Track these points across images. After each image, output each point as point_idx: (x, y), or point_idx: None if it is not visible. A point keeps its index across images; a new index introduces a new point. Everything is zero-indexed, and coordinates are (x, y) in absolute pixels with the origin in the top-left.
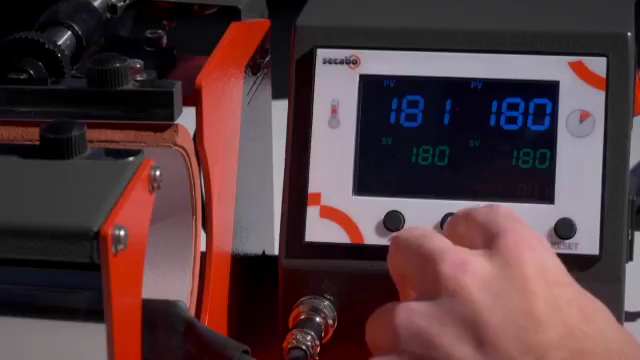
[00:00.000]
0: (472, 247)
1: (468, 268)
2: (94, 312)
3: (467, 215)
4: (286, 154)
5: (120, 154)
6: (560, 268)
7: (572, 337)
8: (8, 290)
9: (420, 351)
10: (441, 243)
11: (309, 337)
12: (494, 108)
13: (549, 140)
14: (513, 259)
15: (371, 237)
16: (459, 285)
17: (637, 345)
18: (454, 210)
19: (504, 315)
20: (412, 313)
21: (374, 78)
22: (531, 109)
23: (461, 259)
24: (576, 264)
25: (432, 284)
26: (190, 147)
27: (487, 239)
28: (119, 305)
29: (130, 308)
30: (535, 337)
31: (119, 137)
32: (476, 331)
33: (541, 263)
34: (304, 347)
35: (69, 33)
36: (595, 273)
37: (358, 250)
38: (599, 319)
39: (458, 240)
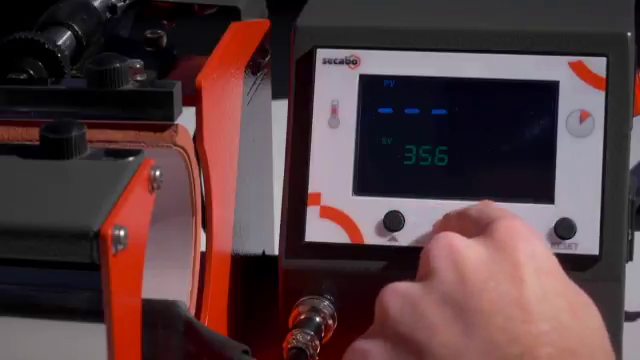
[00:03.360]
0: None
1: (458, 247)
2: (94, 312)
3: (459, 212)
4: (286, 154)
5: (120, 154)
6: (550, 259)
7: (559, 333)
8: (8, 290)
9: (404, 332)
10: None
11: (309, 337)
12: (494, 108)
13: (549, 140)
14: (505, 244)
15: (371, 237)
16: (449, 264)
17: (611, 349)
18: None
19: (493, 302)
20: (397, 293)
21: (374, 78)
22: (531, 109)
23: (452, 237)
24: (576, 264)
25: (425, 266)
26: (190, 147)
27: (480, 229)
28: (119, 305)
29: (130, 308)
30: (523, 327)
31: (119, 137)
32: (464, 315)
33: (532, 251)
34: (304, 347)
35: (69, 33)
36: (595, 273)
37: (358, 250)
38: (585, 314)
39: None
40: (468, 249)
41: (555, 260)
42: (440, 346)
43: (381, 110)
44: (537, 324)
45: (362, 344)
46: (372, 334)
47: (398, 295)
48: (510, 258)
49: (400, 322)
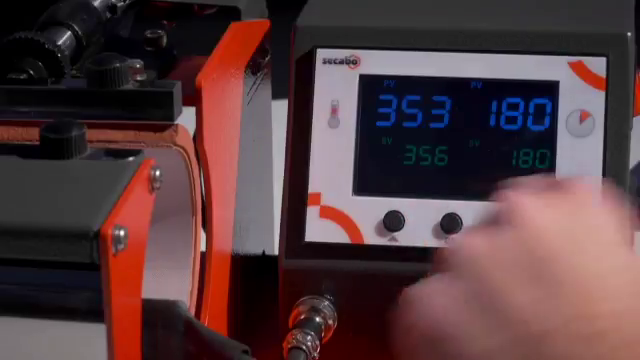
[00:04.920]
0: None
1: (530, 208)
2: (94, 312)
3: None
4: (286, 154)
5: (120, 154)
6: (620, 230)
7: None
8: (8, 290)
9: (483, 276)
10: None
11: (309, 337)
12: (494, 108)
13: (549, 140)
14: (579, 209)
15: (371, 237)
16: (521, 224)
17: None
18: (454, 210)
19: (568, 271)
20: (482, 237)
21: (374, 78)
22: (531, 109)
23: (524, 196)
24: None
25: (503, 219)
26: (190, 147)
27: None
28: (119, 305)
29: (130, 308)
30: (603, 304)
31: (119, 137)
32: (541, 281)
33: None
34: (304, 347)
35: (69, 33)
36: None
37: (358, 250)
38: None
39: None
40: (542, 211)
41: (625, 231)
42: (517, 309)
43: (381, 110)
44: (612, 302)
45: (427, 286)
46: (439, 277)
47: (484, 240)
48: (588, 227)
49: (481, 265)
